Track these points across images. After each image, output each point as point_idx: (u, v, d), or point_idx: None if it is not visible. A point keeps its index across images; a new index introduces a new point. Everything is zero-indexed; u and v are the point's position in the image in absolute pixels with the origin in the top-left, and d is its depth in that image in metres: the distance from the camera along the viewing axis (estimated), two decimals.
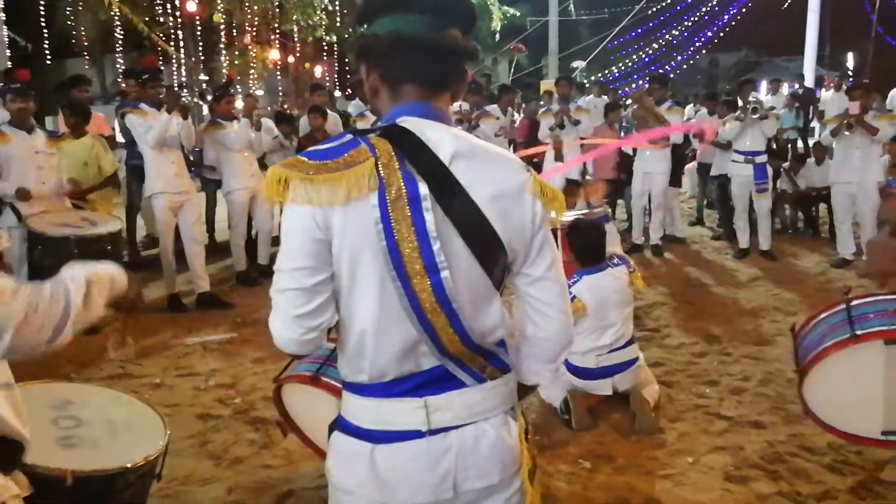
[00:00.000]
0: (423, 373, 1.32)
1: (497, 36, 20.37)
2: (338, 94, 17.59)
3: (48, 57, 18.41)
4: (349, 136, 1.30)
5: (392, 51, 1.30)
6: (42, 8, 16.66)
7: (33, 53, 19.12)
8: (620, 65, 22.07)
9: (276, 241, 6.85)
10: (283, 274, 1.27)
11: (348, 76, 19.03)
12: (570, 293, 3.47)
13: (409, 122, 1.30)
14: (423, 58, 1.32)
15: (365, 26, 1.36)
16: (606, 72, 21.66)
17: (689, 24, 20.19)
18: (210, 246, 7.11)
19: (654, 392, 3.77)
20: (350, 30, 17.61)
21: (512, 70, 23.11)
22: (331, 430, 1.44)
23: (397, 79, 1.33)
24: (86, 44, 18.26)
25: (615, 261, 3.79)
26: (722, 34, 20.67)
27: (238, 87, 17.33)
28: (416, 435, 1.31)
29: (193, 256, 5.81)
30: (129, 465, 2.04)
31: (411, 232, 1.24)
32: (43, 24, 16.90)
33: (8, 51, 18.82)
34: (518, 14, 20.84)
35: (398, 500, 1.33)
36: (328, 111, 7.44)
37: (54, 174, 5.00)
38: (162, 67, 17.47)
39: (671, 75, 15.65)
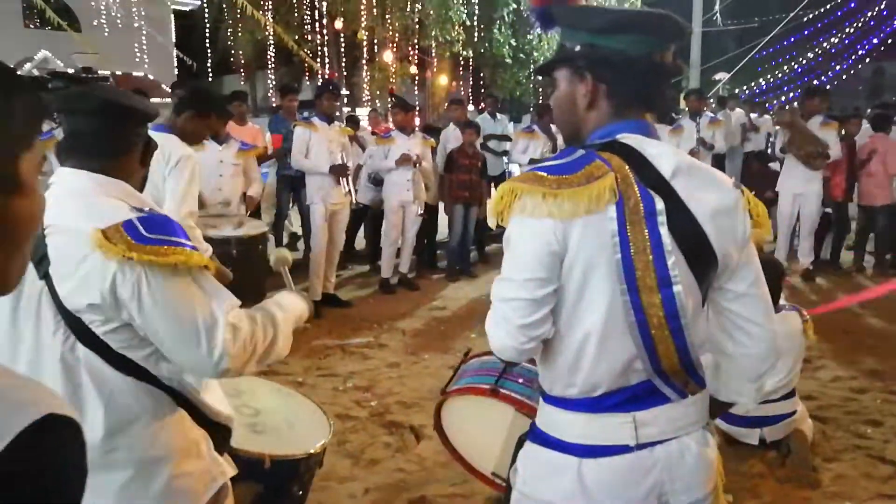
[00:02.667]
0: (631, 388, 1.34)
1: None
2: (471, 107, 17.87)
3: (210, 73, 20.15)
4: (581, 151, 1.33)
5: (628, 70, 1.32)
6: (207, 30, 18.25)
7: (197, 71, 21.02)
8: (769, 76, 20.81)
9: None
10: (511, 284, 1.31)
11: (482, 90, 19.28)
12: None
13: (630, 139, 1.33)
14: (653, 79, 1.36)
15: (596, 39, 1.35)
16: (753, 84, 20.49)
17: (852, 30, 18.63)
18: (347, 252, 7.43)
19: (807, 428, 3.50)
20: (486, 45, 17.86)
21: None
22: (520, 443, 1.47)
23: (625, 97, 1.35)
24: (242, 61, 19.76)
25: (787, 307, 3.49)
26: (890, 41, 18.91)
27: (377, 101, 18.10)
28: (624, 450, 1.33)
29: (331, 260, 6.12)
30: (311, 452, 2.14)
31: (647, 245, 1.26)
32: (207, 45, 18.50)
33: (176, 69, 20.91)
34: None
35: None
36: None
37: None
38: (308, 82, 18.57)
39: (828, 86, 14.55)
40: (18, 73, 0.77)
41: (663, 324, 1.28)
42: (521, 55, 18.63)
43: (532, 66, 18.89)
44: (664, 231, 1.27)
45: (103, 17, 16.26)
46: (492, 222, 1.38)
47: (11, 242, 0.74)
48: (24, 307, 1.40)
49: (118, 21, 16.46)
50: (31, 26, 18.70)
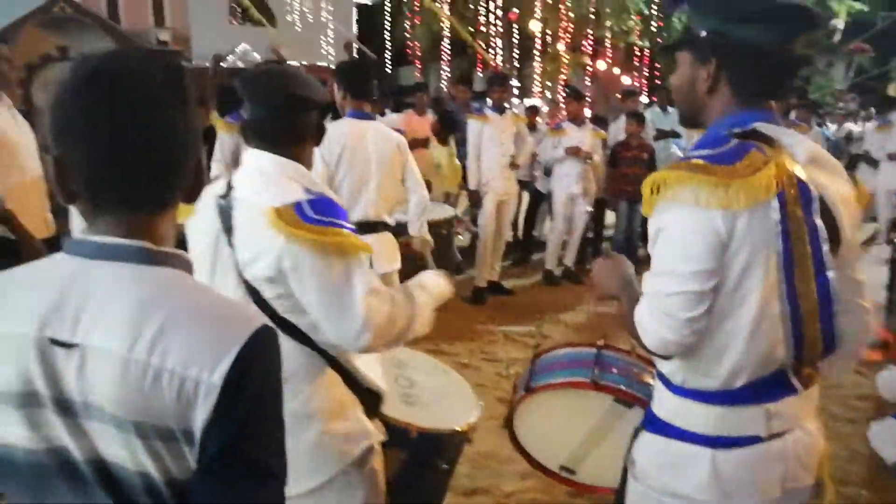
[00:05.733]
0: (766, 379, 1.35)
1: (837, 35, 18.05)
2: (644, 99, 17.22)
3: (388, 65, 21.10)
4: (735, 141, 1.31)
5: (755, 59, 1.32)
6: (387, 24, 19.10)
7: (377, 63, 22.10)
8: None
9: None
10: (675, 277, 1.30)
11: (657, 82, 18.50)
12: None
13: (767, 129, 1.32)
14: (780, 69, 1.35)
15: (724, 26, 1.34)
16: None
17: None
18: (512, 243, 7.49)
19: None
20: (664, 34, 17.09)
21: (851, 74, 20.30)
22: (636, 434, 1.50)
23: (750, 86, 1.35)
24: (418, 53, 20.46)
25: None
26: None
27: (548, 92, 17.96)
28: (755, 440, 1.35)
29: (496, 250, 6.21)
30: (457, 429, 2.21)
31: (804, 234, 1.27)
32: (387, 38, 19.37)
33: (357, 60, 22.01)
34: (865, 9, 18.21)
35: None
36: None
37: None
38: (481, 73, 18.86)
39: None
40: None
41: (815, 310, 1.30)
42: None
43: None
44: (818, 219, 1.29)
45: (296, 12, 17.55)
46: (646, 211, 1.36)
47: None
48: (219, 274, 1.58)
49: (308, 16, 17.70)
50: (234, 22, 20.64)
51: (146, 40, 7.52)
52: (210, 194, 1.58)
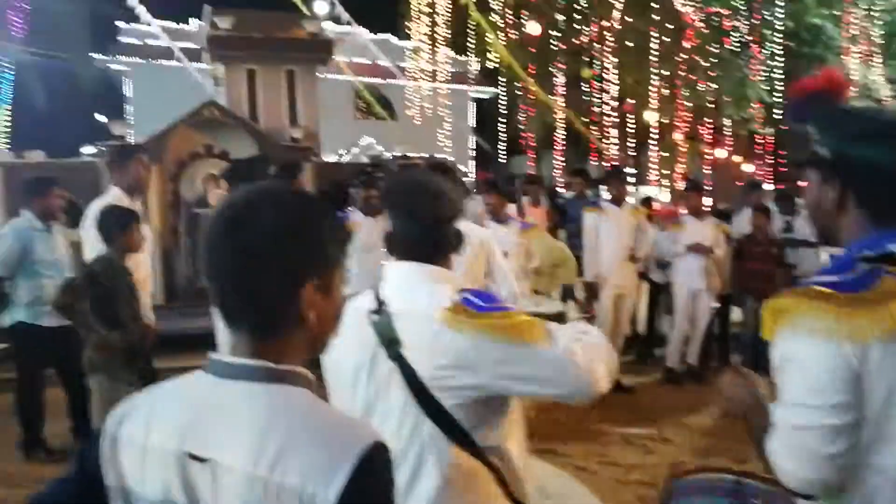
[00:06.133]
0: None
1: None
2: (770, 186, 16.58)
3: (502, 155, 21.66)
4: (863, 266, 1.25)
5: (881, 178, 1.28)
6: (502, 117, 19.77)
7: (491, 153, 22.76)
8: None
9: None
10: (808, 409, 1.22)
11: (783, 171, 17.81)
12: None
13: None
14: None
15: (847, 147, 1.31)
16: None
17: None
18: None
19: None
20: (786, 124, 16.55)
21: None
22: None
23: (880, 206, 1.29)
24: (532, 144, 20.91)
25: None
26: None
27: (665, 181, 17.72)
28: None
29: (614, 343, 5.99)
30: None
31: None
32: (500, 129, 19.99)
33: (472, 151, 22.84)
34: None
35: None
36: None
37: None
38: (595, 162, 18.92)
39: None
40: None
41: None
42: None
43: None
44: None
45: (416, 107, 18.55)
46: (767, 335, 1.29)
47: (326, 327, 1.07)
48: (374, 391, 1.57)
49: (427, 111, 18.64)
50: (359, 116, 22.06)
51: (281, 138, 8.12)
52: (354, 310, 1.57)
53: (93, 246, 4.03)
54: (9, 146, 12.81)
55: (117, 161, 4.39)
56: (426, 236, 1.64)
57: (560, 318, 5.24)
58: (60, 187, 4.64)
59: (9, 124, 16.94)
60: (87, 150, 8.15)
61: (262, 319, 1.00)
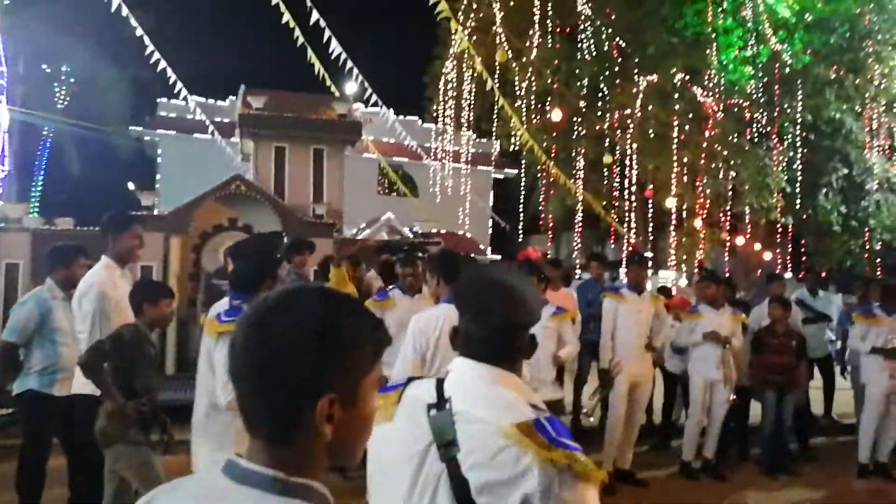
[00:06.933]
0: None
1: None
2: (788, 275, 16.44)
3: (520, 235, 21.82)
4: None
5: None
6: (521, 196, 20.02)
7: (508, 232, 22.94)
8: None
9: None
10: None
11: (802, 259, 17.69)
12: None
13: None
14: None
15: None
16: None
17: None
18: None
19: None
20: (809, 211, 16.56)
21: None
22: None
23: None
24: (550, 224, 21.06)
25: None
26: None
27: (684, 266, 17.64)
28: None
29: (628, 435, 5.90)
30: None
31: None
32: (520, 210, 20.21)
33: (490, 230, 23.05)
34: None
35: None
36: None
37: None
38: (612, 245, 18.94)
39: None
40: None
41: None
42: (853, 223, 16.83)
43: (867, 234, 16.89)
44: None
45: (437, 185, 18.89)
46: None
47: (350, 439, 1.03)
48: (420, 488, 1.49)
49: (448, 189, 18.96)
50: (381, 192, 22.47)
51: (305, 213, 8.28)
52: (411, 398, 1.55)
53: (83, 319, 4.00)
54: (38, 212, 13.18)
55: (112, 229, 4.28)
56: (499, 340, 1.57)
57: (558, 404, 5.16)
58: (87, 256, 4.73)
59: (40, 190, 17.50)
60: None
61: (277, 428, 0.99)
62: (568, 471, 1.37)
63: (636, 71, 16.18)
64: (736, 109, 15.90)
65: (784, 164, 15.93)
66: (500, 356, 1.56)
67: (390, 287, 5.33)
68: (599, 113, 16.47)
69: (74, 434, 4.62)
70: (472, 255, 5.42)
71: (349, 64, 8.20)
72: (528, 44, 16.19)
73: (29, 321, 4.43)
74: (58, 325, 4.49)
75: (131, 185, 18.42)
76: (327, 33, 7.91)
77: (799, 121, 15.62)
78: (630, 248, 16.14)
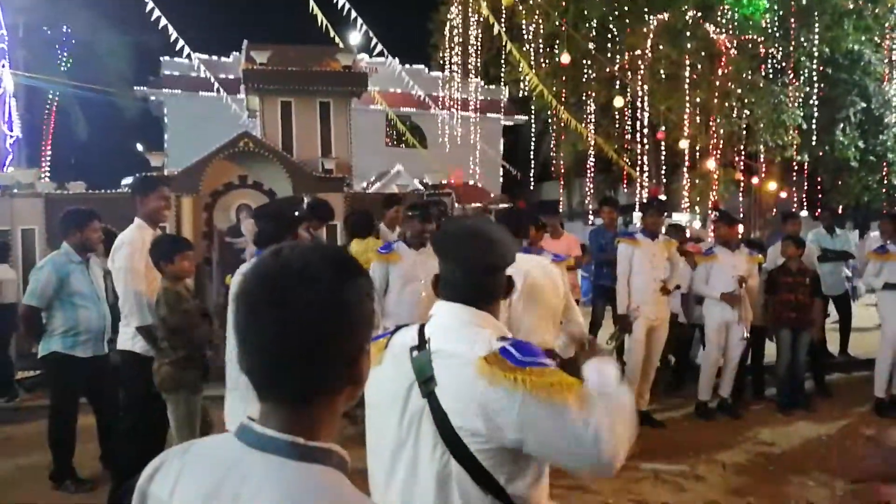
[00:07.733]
0: None
1: None
2: (804, 213, 16.26)
3: (531, 182, 21.66)
4: None
5: None
6: (532, 143, 19.79)
7: (520, 179, 22.77)
8: None
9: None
10: None
11: (818, 197, 17.45)
12: None
13: None
14: None
15: None
16: None
17: None
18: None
19: None
20: (826, 148, 16.26)
21: None
22: None
23: None
24: (562, 170, 20.86)
25: None
26: None
27: (697, 208, 17.46)
28: None
29: (645, 377, 5.94)
30: None
31: None
32: (531, 156, 20.01)
33: (501, 178, 22.87)
34: None
35: None
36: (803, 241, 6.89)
37: None
38: (626, 189, 18.76)
39: None
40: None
41: None
42: (871, 157, 16.52)
43: (885, 168, 16.59)
44: None
45: (447, 135, 18.69)
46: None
47: (357, 387, 1.02)
48: (406, 424, 1.58)
49: (458, 138, 18.77)
50: (390, 144, 22.30)
51: (314, 168, 8.23)
52: (397, 343, 1.65)
53: (116, 274, 4.24)
54: (50, 177, 13.21)
55: (139, 192, 4.47)
56: (476, 283, 1.67)
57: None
58: (100, 219, 4.77)
59: (50, 155, 17.51)
60: (128, 181, 8.34)
61: (301, 391, 0.96)
62: (537, 387, 1.44)
63: (646, 9, 15.74)
64: (750, 45, 15.46)
65: (800, 99, 15.55)
66: (477, 298, 1.66)
67: (394, 240, 5.33)
68: (609, 55, 16.08)
69: (101, 393, 4.73)
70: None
71: (352, 14, 8.02)
72: None
73: (47, 285, 4.49)
74: (76, 288, 4.56)
75: (140, 147, 18.39)
76: None
77: (816, 54, 15.18)
78: (649, 194, 15.99)
